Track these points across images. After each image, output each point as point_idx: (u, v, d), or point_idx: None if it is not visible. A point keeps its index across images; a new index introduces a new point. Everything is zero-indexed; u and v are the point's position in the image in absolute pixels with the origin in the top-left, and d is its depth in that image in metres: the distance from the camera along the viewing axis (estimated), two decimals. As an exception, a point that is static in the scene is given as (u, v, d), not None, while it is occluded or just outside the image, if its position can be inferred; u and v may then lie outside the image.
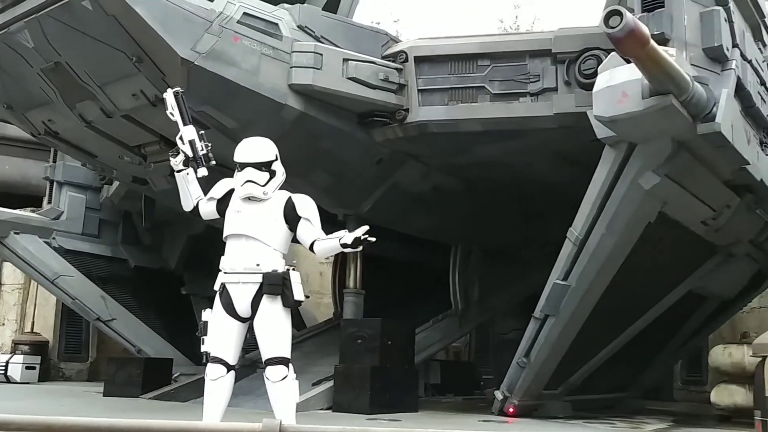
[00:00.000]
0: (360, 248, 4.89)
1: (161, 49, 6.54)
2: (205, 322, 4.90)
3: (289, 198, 5.01)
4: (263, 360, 4.86)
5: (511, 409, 7.88)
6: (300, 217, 4.93)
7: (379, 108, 7.85)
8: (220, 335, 4.83)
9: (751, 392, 8.47)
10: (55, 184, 12.48)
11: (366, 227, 4.68)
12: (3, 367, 12.14)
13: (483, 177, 9.34)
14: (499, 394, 8.05)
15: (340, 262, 12.68)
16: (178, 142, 5.13)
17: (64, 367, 13.92)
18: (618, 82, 5.20)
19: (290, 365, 4.85)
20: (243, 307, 4.82)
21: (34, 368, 12.44)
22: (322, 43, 7.73)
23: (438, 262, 11.65)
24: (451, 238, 11.10)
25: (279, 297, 4.77)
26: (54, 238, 12.03)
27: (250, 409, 7.81)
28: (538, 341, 7.30)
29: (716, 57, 6.52)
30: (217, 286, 4.95)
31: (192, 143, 5.01)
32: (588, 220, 6.27)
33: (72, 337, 14.12)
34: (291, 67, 7.39)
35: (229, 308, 4.85)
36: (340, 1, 11.82)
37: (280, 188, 5.12)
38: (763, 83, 7.78)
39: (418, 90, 7.89)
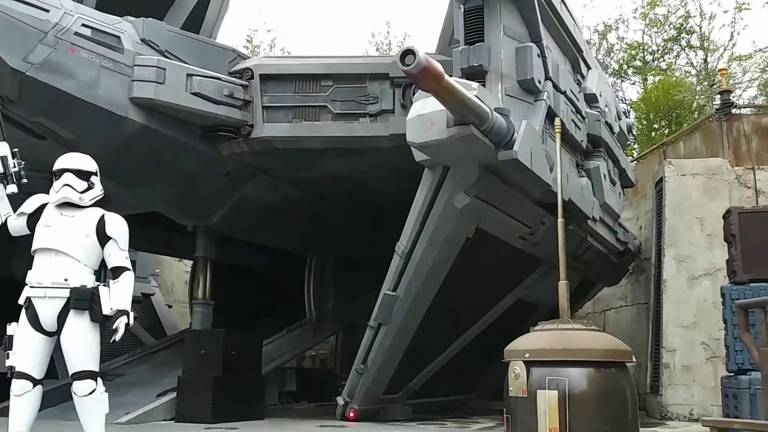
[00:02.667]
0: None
1: (-10, 59, 6.40)
2: (10, 336, 4.84)
3: (102, 215, 5.06)
4: (70, 374, 4.85)
5: (351, 414, 8.24)
6: (109, 237, 4.97)
7: (223, 123, 8.00)
8: (26, 350, 4.77)
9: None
10: None
11: (122, 328, 4.76)
12: None
13: (332, 190, 9.69)
14: (340, 400, 8.41)
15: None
16: None
17: None
18: (427, 111, 5.69)
19: (98, 379, 4.88)
20: (49, 321, 4.80)
21: None
22: (167, 57, 7.80)
23: (297, 272, 11.90)
24: (306, 249, 11.38)
25: (87, 312, 4.79)
26: None
27: (110, 416, 7.75)
28: (373, 348, 7.70)
29: (529, 88, 7.22)
30: (22, 300, 4.90)
31: (4, 160, 4.92)
32: (412, 236, 6.75)
33: None
34: (132, 81, 7.41)
35: (35, 322, 4.80)
36: (206, 14, 11.91)
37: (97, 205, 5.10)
38: (578, 112, 8.62)
39: (263, 107, 8.12)
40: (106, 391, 4.94)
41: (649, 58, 21.23)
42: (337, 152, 8.31)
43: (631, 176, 11.02)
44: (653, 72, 19.81)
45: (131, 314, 4.85)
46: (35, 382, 4.71)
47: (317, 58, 8.57)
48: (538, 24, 7.38)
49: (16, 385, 4.69)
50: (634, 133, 12.86)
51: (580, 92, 8.79)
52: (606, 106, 9.72)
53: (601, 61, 21.08)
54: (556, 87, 7.71)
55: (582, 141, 8.61)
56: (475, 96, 5.55)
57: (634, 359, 3.58)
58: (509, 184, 6.50)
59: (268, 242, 10.68)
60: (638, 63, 21.11)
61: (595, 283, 11.40)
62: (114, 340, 4.81)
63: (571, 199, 7.64)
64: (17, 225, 5.00)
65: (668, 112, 16.45)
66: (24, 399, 4.69)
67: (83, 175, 5.03)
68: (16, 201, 5.12)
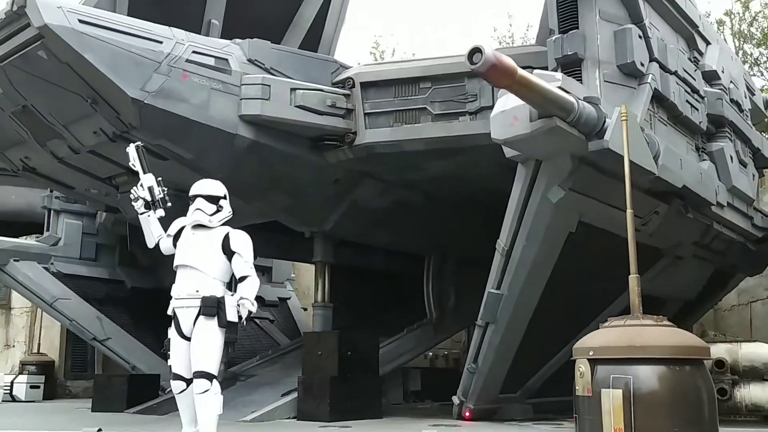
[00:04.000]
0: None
1: (113, 91, 7.06)
2: (169, 339, 5.63)
3: (228, 233, 5.68)
4: (192, 371, 5.42)
5: (467, 413, 8.24)
6: (234, 252, 5.58)
7: (328, 132, 8.32)
8: (176, 354, 5.53)
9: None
10: (52, 212, 13.16)
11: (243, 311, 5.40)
12: (8, 387, 12.81)
13: (442, 190, 9.74)
14: (455, 399, 8.43)
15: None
16: (139, 189, 5.83)
17: (71, 384, 14.59)
18: (510, 107, 5.59)
19: (214, 380, 5.37)
20: (187, 328, 5.48)
21: (38, 387, 13.12)
22: (273, 74, 8.22)
23: (418, 272, 12.04)
24: (423, 249, 11.48)
25: (214, 318, 5.41)
26: (52, 264, 12.67)
27: (237, 414, 8.38)
28: (482, 347, 7.66)
29: (631, 72, 6.90)
30: (170, 311, 5.65)
31: (151, 189, 5.75)
32: (511, 233, 6.66)
33: (78, 356, 14.77)
34: (240, 99, 7.89)
35: (179, 330, 5.53)
36: (323, 30, 12.41)
37: (228, 224, 5.76)
38: (695, 91, 8.10)
39: (365, 113, 8.34)
40: (221, 393, 5.42)
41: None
42: (440, 153, 8.35)
43: (768, 156, 10.16)
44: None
45: (254, 304, 5.45)
46: (188, 381, 5.41)
47: (415, 61, 8.69)
48: (638, 4, 7.03)
49: (174, 386, 5.49)
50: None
51: (696, 71, 8.25)
52: (731, 82, 9.04)
53: (745, 31, 19.49)
54: (663, 68, 7.30)
55: (701, 122, 8.07)
56: (559, 87, 5.39)
57: (711, 356, 3.34)
58: (610, 175, 6.23)
59: (385, 244, 10.90)
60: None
61: (734, 273, 10.59)
62: (241, 320, 5.45)
63: (687, 186, 7.21)
64: (167, 245, 5.76)
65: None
66: (182, 397, 5.47)
67: (212, 199, 5.73)
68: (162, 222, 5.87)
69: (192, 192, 5.81)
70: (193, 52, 7.61)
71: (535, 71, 5.74)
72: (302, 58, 8.69)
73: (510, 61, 4.59)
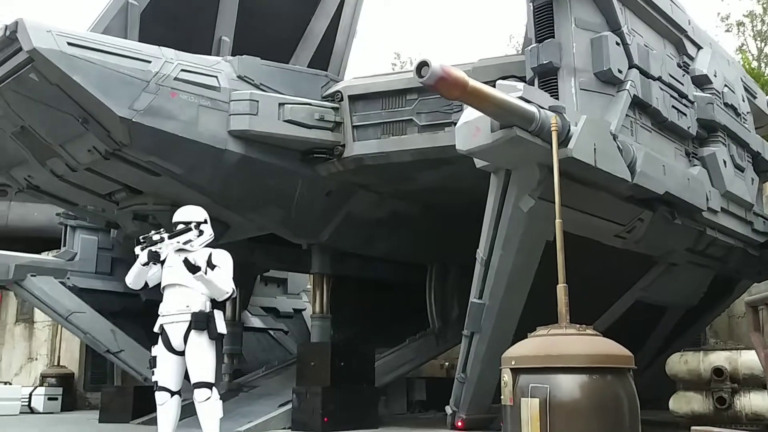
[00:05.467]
0: None
1: (102, 110, 7.29)
2: (154, 357, 6.08)
3: (210, 252, 6.21)
4: (192, 383, 5.93)
5: (459, 423, 8.23)
6: (215, 266, 6.09)
7: (317, 145, 8.44)
8: (163, 367, 5.97)
9: (708, 399, 8.66)
10: (68, 228, 13.53)
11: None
12: (27, 399, 13.18)
13: (437, 200, 9.78)
14: (448, 409, 8.43)
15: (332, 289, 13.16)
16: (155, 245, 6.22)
17: (90, 396, 14.94)
18: (473, 117, 5.63)
19: (213, 388, 5.90)
20: (177, 342, 5.96)
21: (56, 399, 13.47)
22: (263, 90, 8.39)
23: (420, 282, 12.08)
24: (425, 259, 11.52)
25: (205, 331, 5.91)
26: (68, 278, 13.03)
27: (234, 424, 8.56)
28: (470, 357, 7.67)
29: (608, 80, 6.88)
30: (156, 328, 6.11)
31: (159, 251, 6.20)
32: (488, 242, 6.68)
33: (97, 369, 15.12)
34: (229, 115, 8.07)
35: (168, 345, 5.99)
36: (333, 47, 12.60)
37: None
38: (684, 96, 8.03)
39: (353, 126, 8.45)
40: (220, 399, 6.02)
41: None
42: (428, 163, 8.40)
43: (771, 159, 9.97)
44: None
45: (206, 275, 5.90)
46: (172, 393, 5.89)
47: (403, 74, 8.75)
48: (615, 11, 7.01)
49: (158, 397, 5.94)
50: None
51: (685, 75, 8.17)
52: (726, 86, 8.93)
53: (760, 30, 19.11)
54: (645, 74, 7.26)
55: (690, 127, 7.99)
56: (520, 97, 5.42)
57: (633, 365, 3.33)
58: (582, 182, 6.23)
59: (384, 254, 10.96)
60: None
61: (738, 279, 10.40)
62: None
63: (670, 192, 7.14)
64: (154, 277, 6.26)
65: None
66: (165, 407, 5.90)
67: (194, 225, 6.25)
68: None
69: (174, 219, 6.29)
70: (182, 70, 7.80)
71: (498, 82, 5.79)
72: (292, 73, 8.84)
73: (459, 74, 4.64)
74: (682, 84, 8.01)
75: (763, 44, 20.73)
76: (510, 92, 5.41)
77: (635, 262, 8.25)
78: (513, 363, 3.36)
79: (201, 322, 5.91)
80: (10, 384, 14.29)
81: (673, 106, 7.67)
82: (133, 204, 9.04)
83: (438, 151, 8.12)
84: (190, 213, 6.33)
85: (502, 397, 3.43)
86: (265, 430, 8.46)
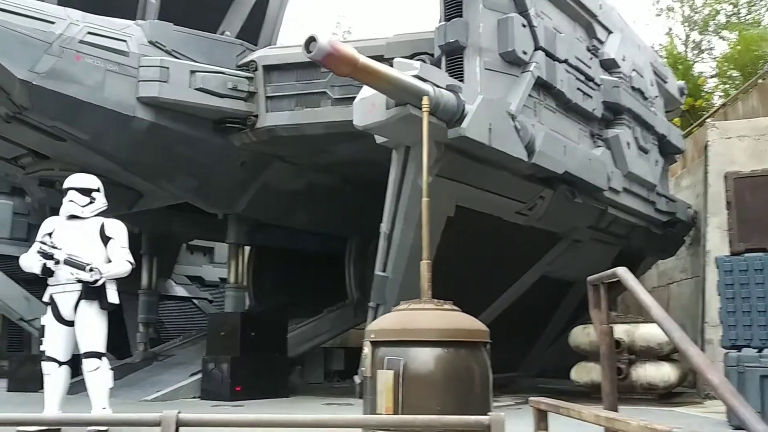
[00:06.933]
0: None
1: (0, 72, 7.05)
2: (43, 326, 5.91)
3: (103, 222, 6.00)
4: (81, 353, 5.78)
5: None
6: (109, 237, 5.93)
7: (229, 115, 8.36)
8: (51, 337, 5.82)
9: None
10: (-18, 193, 13.07)
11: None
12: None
13: (354, 173, 9.82)
14: (357, 379, 8.58)
15: (254, 259, 13.13)
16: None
17: (5, 364, 14.59)
18: (369, 94, 5.69)
19: (104, 358, 5.78)
20: (67, 312, 5.78)
21: (-35, 367, 13.07)
22: (175, 57, 8.23)
23: (341, 253, 12.17)
24: (345, 231, 11.59)
25: (96, 301, 5.76)
26: (-19, 244, 12.63)
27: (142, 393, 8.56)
28: (375, 329, 7.80)
29: (513, 60, 7.01)
30: (45, 298, 5.94)
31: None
32: (390, 216, 6.78)
33: (14, 336, 14.78)
34: (138, 81, 7.90)
35: (57, 315, 5.82)
36: (264, 17, 12.33)
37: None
38: (591, 79, 8.24)
39: (267, 97, 8.40)
40: (111, 369, 5.87)
41: (743, 11, 19.58)
42: (342, 136, 8.40)
43: (677, 142, 10.37)
44: (732, 27, 18.24)
45: (96, 272, 5.66)
46: (60, 363, 5.74)
47: (319, 45, 8.70)
48: (522, -8, 7.13)
49: (45, 367, 5.77)
50: (687, 93, 11.96)
51: (593, 59, 8.39)
52: (634, 70, 9.20)
53: (689, 15, 19.68)
54: (551, 56, 7.43)
55: (594, 110, 8.24)
56: (416, 75, 5.49)
57: (488, 339, 3.50)
58: (482, 162, 6.38)
59: (303, 226, 10.98)
60: (723, 18, 19.50)
61: (642, 257, 10.84)
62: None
63: (570, 171, 7.37)
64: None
65: (744, 68, 15.10)
66: (52, 377, 5.76)
67: (85, 192, 6.00)
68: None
69: (65, 185, 6.03)
70: (88, 33, 7.59)
71: (396, 60, 5.84)
72: (206, 41, 8.68)
73: (349, 50, 4.67)
74: (590, 67, 8.23)
75: (690, 29, 21.33)
76: (406, 70, 5.47)
77: (543, 239, 8.50)
78: (372, 336, 3.46)
79: (92, 292, 5.72)
80: None
81: (578, 89, 7.88)
82: (40, 169, 8.81)
83: (351, 125, 8.13)
84: (82, 180, 6.10)
85: (362, 368, 3.54)
86: (173, 399, 8.45)
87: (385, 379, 3.30)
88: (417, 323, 3.39)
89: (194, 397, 8.69)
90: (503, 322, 9.25)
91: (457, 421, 2.40)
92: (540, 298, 9.37)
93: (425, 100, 3.71)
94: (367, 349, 3.47)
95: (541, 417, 3.29)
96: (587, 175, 7.70)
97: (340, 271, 11.96)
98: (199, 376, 8.91)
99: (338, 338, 12.12)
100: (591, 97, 8.13)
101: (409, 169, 6.30)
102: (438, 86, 5.60)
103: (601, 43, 8.75)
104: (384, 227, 6.97)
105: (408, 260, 7.07)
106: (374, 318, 7.84)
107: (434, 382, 3.29)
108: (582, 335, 9.42)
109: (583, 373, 9.32)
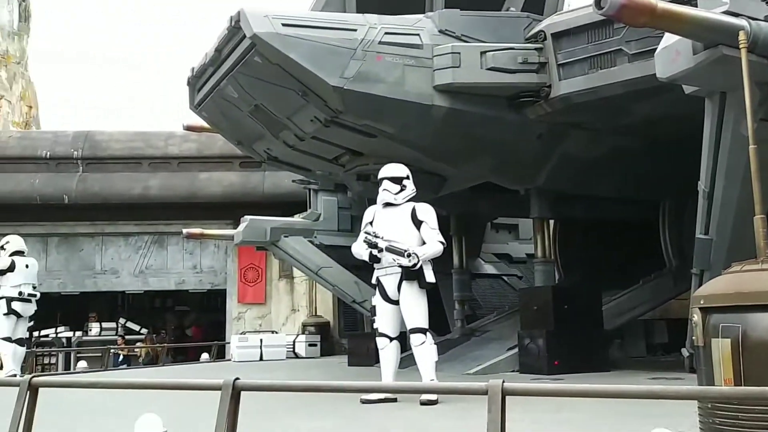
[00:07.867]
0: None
1: (317, 82, 7.92)
2: (374, 306, 6.66)
3: (414, 207, 6.55)
4: (407, 329, 6.43)
5: (697, 366, 7.78)
6: (421, 221, 6.45)
7: (522, 89, 8.32)
8: (381, 315, 6.53)
9: None
10: (311, 191, 14.92)
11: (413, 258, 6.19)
12: (291, 346, 14.97)
13: (660, 131, 9.10)
14: (685, 352, 7.98)
15: (559, 232, 12.94)
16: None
17: (344, 342, 16.50)
18: (672, 41, 5.15)
19: (428, 333, 6.33)
20: (392, 292, 6.44)
21: (315, 345, 15.11)
22: (465, 41, 8.45)
23: (653, 220, 11.41)
24: (655, 195, 10.82)
25: (415, 281, 6.32)
26: (315, 237, 14.44)
27: (463, 367, 9.04)
28: (701, 297, 7.17)
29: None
30: (373, 280, 6.67)
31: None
32: (708, 173, 6.16)
33: (348, 317, 16.65)
34: (433, 71, 8.26)
35: (384, 295, 6.51)
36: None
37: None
38: None
39: (558, 65, 8.18)
40: (434, 343, 6.41)
41: None
42: (644, 93, 7.82)
43: None
44: None
45: (414, 256, 6.19)
46: (391, 338, 6.41)
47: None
48: None
49: (379, 342, 6.48)
50: None
51: None
52: None
53: None
54: None
55: None
56: (725, 11, 4.86)
57: None
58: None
59: (609, 193, 10.48)
60: None
61: None
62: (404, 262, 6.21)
63: None
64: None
65: None
66: (386, 351, 6.44)
67: (396, 180, 6.65)
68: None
69: (379, 176, 6.70)
70: (386, 33, 8.14)
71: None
72: (492, 20, 8.74)
73: (644, -2, 4.31)
74: None
75: None
76: (713, 8, 4.88)
77: None
78: (702, 302, 3.15)
79: (411, 273, 6.26)
80: (277, 333, 16.32)
81: None
82: (357, 165, 9.70)
83: (653, 79, 7.53)
84: (392, 169, 6.71)
85: (693, 337, 3.25)
86: (493, 372, 8.73)
87: (721, 348, 2.99)
88: (755, 285, 3.01)
89: (513, 371, 8.87)
90: None
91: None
92: None
93: (742, 35, 3.26)
94: (696, 317, 3.19)
95: None
96: None
97: (652, 237, 11.22)
98: (516, 350, 9.07)
99: (658, 309, 11.41)
100: None
101: (727, 117, 5.63)
102: (755, 19, 4.90)
103: None
104: (702, 185, 6.34)
105: (735, 218, 6.36)
106: (699, 285, 7.20)
107: (783, 350, 2.89)
108: None
109: None
